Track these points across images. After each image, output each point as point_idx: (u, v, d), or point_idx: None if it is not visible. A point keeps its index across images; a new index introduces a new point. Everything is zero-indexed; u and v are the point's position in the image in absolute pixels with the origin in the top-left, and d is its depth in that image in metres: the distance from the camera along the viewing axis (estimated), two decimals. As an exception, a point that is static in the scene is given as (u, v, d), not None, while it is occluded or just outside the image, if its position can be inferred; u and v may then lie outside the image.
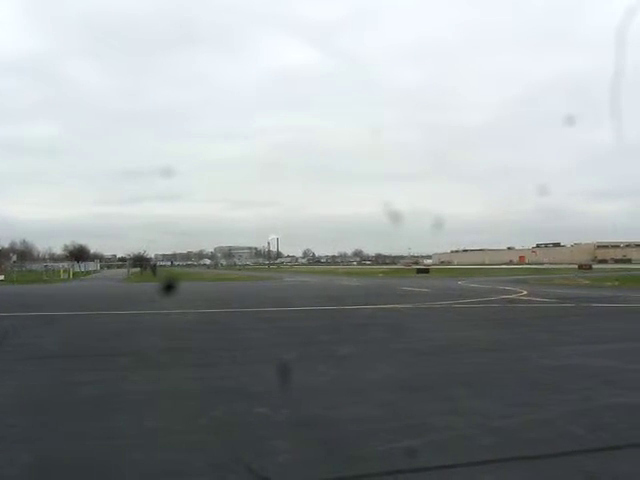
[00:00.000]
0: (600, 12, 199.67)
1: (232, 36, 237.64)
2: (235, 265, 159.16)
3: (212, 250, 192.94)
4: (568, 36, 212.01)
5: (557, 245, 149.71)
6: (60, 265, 75.93)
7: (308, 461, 4.19)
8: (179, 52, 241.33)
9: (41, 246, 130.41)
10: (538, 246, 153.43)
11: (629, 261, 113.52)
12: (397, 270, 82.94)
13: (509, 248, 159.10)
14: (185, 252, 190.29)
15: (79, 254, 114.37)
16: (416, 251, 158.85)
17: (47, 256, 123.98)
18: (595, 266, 79.93)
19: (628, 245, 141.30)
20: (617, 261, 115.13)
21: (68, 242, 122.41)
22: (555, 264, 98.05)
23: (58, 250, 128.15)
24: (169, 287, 16.53)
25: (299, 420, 5.22)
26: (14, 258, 70.49)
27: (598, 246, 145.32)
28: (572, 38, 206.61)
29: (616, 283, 32.00)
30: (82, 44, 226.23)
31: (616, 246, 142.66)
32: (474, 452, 4.29)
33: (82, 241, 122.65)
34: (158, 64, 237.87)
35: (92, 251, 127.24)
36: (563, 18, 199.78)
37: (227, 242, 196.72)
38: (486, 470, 4.01)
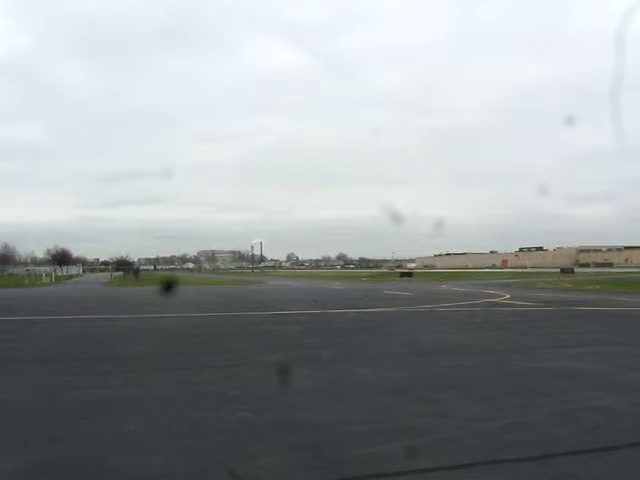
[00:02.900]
0: (596, 13, 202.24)
1: (218, 38, 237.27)
2: (218, 269, 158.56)
3: (195, 254, 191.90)
4: (549, 40, 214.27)
5: (540, 249, 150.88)
6: (42, 269, 74.98)
7: (292, 465, 4.16)
8: (165, 54, 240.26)
9: (23, 250, 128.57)
10: (521, 250, 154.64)
11: (610, 265, 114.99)
12: (381, 274, 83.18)
13: (492, 252, 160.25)
14: (168, 256, 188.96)
15: (61, 258, 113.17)
16: (399, 255, 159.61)
17: (29, 260, 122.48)
18: (577, 270, 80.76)
19: (610, 249, 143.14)
20: (599, 265, 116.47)
21: (50, 246, 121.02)
22: (538, 268, 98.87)
23: (40, 254, 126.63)
24: (163, 290, 16.48)
25: (282, 423, 5.19)
26: (-5, 262, 69.48)
27: (580, 250, 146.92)
28: (556, 41, 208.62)
29: (597, 287, 32.36)
30: (65, 44, 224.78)
31: (598, 250, 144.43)
32: (458, 455, 4.30)
33: (65, 245, 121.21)
34: (143, 66, 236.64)
35: (75, 255, 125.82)
36: (557, 18, 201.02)
37: (210, 246, 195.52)
38: (470, 473, 4.02)
